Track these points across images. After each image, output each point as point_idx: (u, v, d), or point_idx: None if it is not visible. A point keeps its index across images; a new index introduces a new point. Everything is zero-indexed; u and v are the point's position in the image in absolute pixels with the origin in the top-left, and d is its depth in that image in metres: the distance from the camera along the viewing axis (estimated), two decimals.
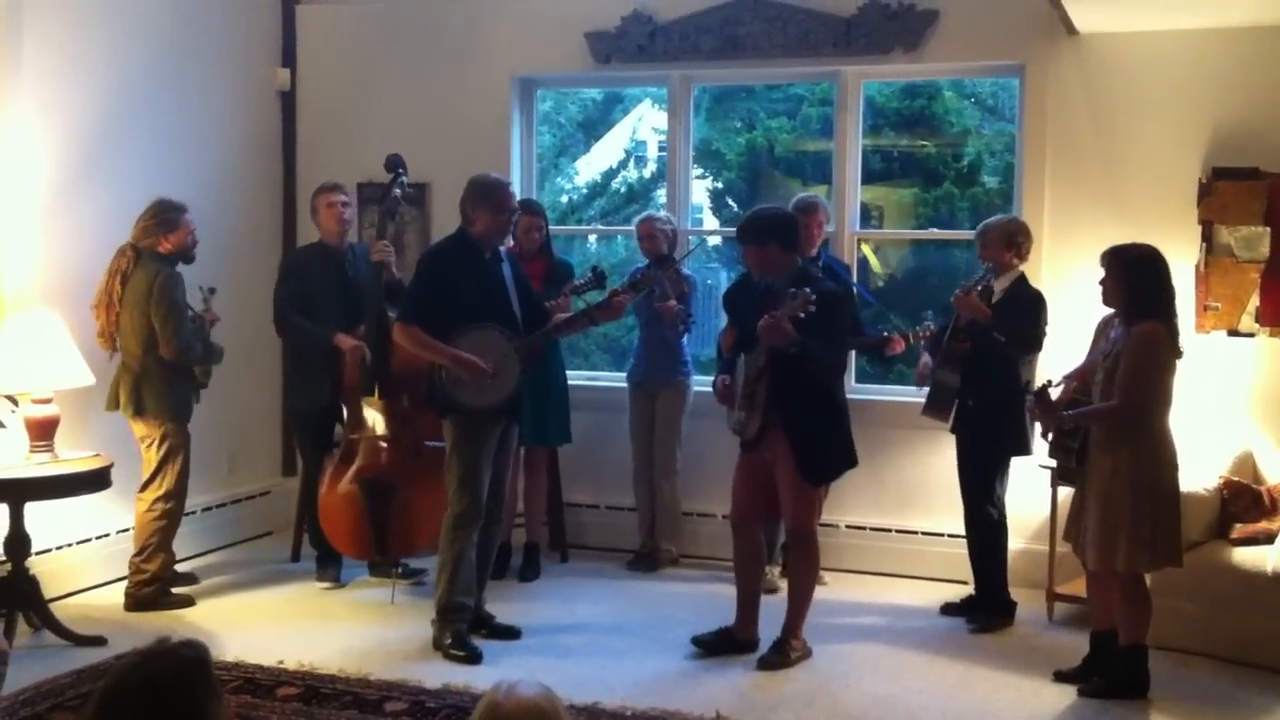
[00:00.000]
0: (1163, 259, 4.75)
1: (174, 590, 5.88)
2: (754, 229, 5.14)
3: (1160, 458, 4.71)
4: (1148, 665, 4.81)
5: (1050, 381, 4.95)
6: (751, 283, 5.28)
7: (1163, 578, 5.26)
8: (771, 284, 5.09)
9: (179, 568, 6.06)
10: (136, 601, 5.75)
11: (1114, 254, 4.79)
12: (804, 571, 5.24)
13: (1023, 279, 5.66)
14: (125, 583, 5.83)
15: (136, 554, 5.75)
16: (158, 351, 5.63)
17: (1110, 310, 4.90)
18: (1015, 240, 5.64)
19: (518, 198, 5.76)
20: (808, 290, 4.82)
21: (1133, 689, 4.78)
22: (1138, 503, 4.65)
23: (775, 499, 5.14)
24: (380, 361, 5.83)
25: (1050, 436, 5.07)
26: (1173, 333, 4.70)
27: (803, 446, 5.03)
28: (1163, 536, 4.69)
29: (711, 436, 6.03)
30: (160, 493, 5.73)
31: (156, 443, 5.71)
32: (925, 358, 5.86)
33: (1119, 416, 4.69)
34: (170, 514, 5.77)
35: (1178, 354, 4.72)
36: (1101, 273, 4.82)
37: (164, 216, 5.69)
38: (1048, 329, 5.58)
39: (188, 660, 2.24)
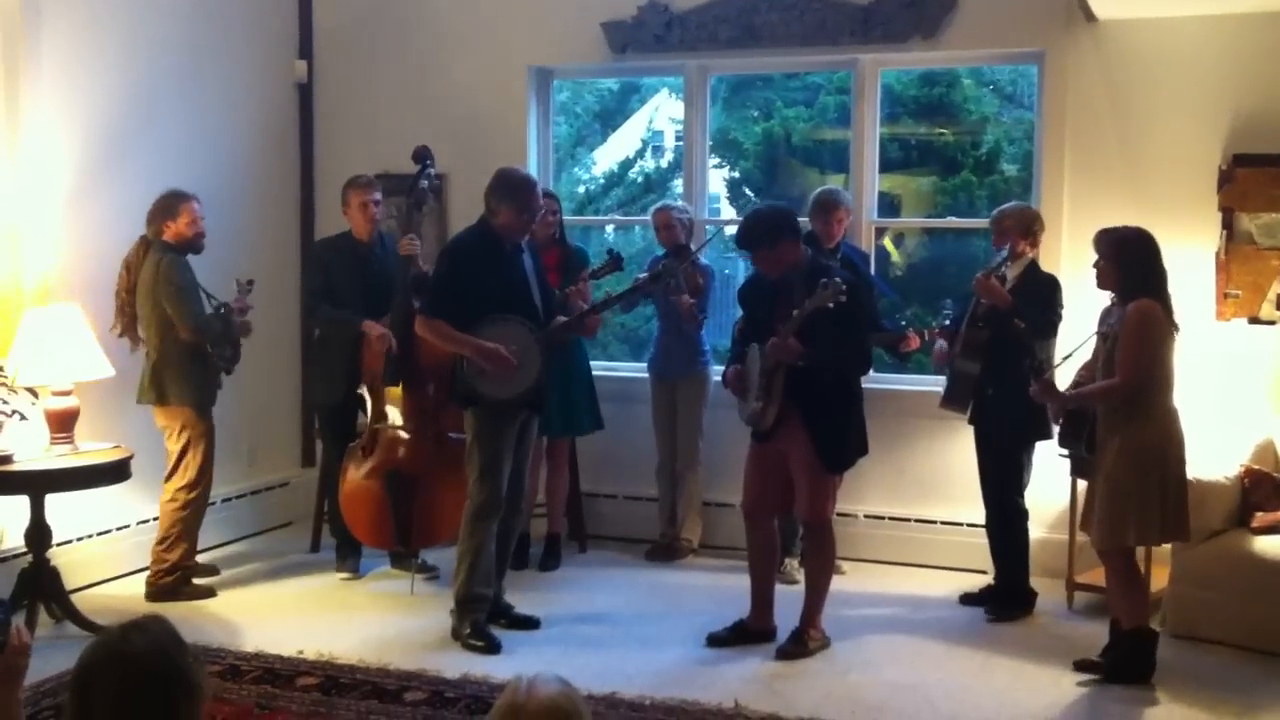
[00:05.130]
0: (1153, 240, 4.81)
1: (195, 581, 5.91)
2: (761, 232, 5.07)
3: (1166, 436, 4.74)
4: (1154, 650, 4.81)
5: (1044, 360, 4.94)
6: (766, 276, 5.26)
7: (1184, 567, 5.26)
8: (785, 277, 5.08)
9: (200, 558, 6.08)
10: (157, 590, 5.77)
11: (1106, 236, 4.91)
12: (820, 561, 5.24)
13: (1034, 264, 5.65)
14: (146, 572, 5.88)
15: (159, 543, 5.78)
16: (174, 339, 5.64)
17: (1108, 304, 4.95)
18: (1032, 229, 5.63)
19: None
20: (838, 280, 4.81)
21: (1136, 674, 4.76)
22: (1146, 480, 4.67)
23: (788, 489, 5.13)
24: (404, 353, 5.84)
25: (1060, 422, 5.10)
26: (1167, 310, 4.75)
27: (822, 435, 5.02)
28: (1172, 511, 4.72)
29: (731, 427, 6.00)
30: (182, 482, 5.75)
31: (176, 432, 5.73)
32: (941, 343, 5.83)
33: (1119, 393, 4.71)
34: (192, 504, 5.79)
35: (1174, 329, 4.76)
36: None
37: (165, 203, 5.69)
38: (1063, 312, 5.56)
39: (162, 633, 2.27)
